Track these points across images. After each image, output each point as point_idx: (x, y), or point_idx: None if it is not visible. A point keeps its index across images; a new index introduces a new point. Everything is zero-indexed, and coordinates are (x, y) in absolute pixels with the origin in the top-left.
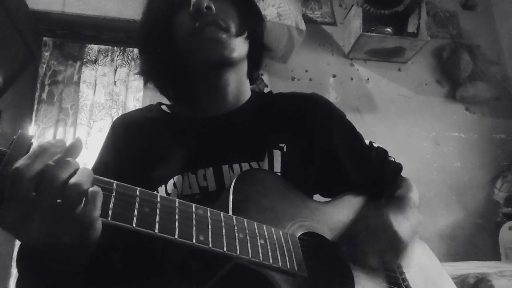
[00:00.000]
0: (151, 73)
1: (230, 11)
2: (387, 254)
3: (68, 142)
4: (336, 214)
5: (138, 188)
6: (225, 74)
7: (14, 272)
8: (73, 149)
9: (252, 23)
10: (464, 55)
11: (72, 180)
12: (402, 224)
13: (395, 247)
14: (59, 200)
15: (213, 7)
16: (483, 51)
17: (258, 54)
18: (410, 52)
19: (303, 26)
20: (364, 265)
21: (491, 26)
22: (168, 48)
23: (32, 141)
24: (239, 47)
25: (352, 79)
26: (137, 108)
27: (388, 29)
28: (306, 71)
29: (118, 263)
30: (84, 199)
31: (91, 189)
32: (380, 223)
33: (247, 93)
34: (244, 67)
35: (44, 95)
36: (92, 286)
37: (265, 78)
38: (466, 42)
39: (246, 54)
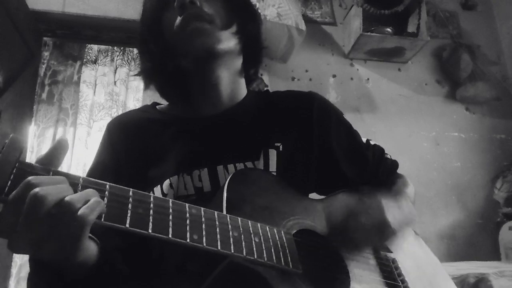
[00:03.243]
0: (148, 74)
1: (216, 5)
2: (373, 235)
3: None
4: (331, 212)
5: (131, 189)
6: (215, 69)
7: (14, 272)
8: (58, 149)
9: (242, 18)
10: (464, 55)
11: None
12: (392, 210)
13: (381, 230)
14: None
15: (197, 1)
16: (483, 51)
17: (253, 51)
18: (410, 52)
19: (303, 26)
20: (351, 248)
21: (491, 26)
22: (159, 47)
23: (24, 144)
24: (225, 39)
25: (352, 79)
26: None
27: (388, 29)
28: (306, 71)
29: (119, 264)
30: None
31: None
32: (369, 206)
33: (242, 91)
34: (236, 63)
35: (44, 95)
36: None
37: (265, 78)
38: (466, 42)
39: (238, 50)
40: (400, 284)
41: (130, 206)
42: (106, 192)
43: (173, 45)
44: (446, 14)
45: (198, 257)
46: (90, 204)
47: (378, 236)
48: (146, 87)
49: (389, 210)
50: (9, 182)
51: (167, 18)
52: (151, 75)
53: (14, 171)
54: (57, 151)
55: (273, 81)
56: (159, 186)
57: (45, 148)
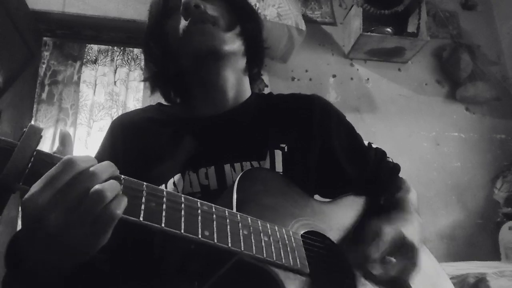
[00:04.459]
0: (153, 80)
1: (219, 8)
2: (408, 268)
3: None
4: (338, 214)
5: (144, 183)
6: (221, 70)
7: None
8: (64, 141)
9: (244, 19)
10: (464, 55)
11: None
12: (412, 233)
13: (414, 260)
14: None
15: (201, 5)
16: (483, 51)
17: (256, 51)
18: (410, 52)
19: (303, 26)
20: (387, 285)
21: (491, 26)
22: (163, 51)
23: (41, 134)
24: (230, 40)
25: (352, 79)
26: (137, 108)
27: (388, 29)
28: (306, 71)
29: (102, 264)
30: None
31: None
32: (393, 239)
33: (247, 92)
34: (241, 63)
35: (44, 95)
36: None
37: (265, 78)
38: (466, 42)
39: (242, 50)
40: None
41: (143, 199)
42: (121, 185)
43: (178, 48)
44: (446, 14)
45: (202, 255)
46: (120, 198)
47: (412, 268)
48: (152, 92)
49: (413, 237)
50: (27, 170)
51: (171, 24)
52: (157, 80)
53: (32, 159)
54: (65, 142)
55: (273, 81)
56: (163, 185)
57: (45, 148)
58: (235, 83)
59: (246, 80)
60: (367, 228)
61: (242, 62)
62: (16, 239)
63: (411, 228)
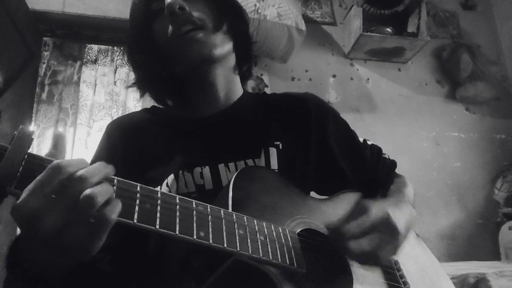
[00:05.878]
0: (143, 84)
1: (204, 8)
2: (384, 247)
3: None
4: (334, 212)
5: (138, 184)
6: (211, 70)
7: None
8: (57, 143)
9: (230, 16)
10: (464, 55)
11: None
12: (399, 218)
13: (393, 242)
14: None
15: (186, 7)
16: (483, 51)
17: (244, 47)
18: (410, 52)
19: (303, 26)
20: (361, 260)
21: (491, 26)
22: (152, 56)
23: (33, 136)
24: (220, 42)
25: (352, 79)
26: (136, 108)
27: (388, 29)
28: (306, 71)
29: (103, 264)
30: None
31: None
32: (376, 217)
33: (238, 91)
34: (230, 61)
35: (44, 95)
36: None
37: (265, 78)
38: (466, 42)
39: (231, 48)
40: (402, 286)
41: (137, 201)
42: (114, 187)
43: (168, 53)
44: (446, 14)
45: (200, 256)
46: (114, 202)
47: (390, 250)
48: (142, 96)
49: (397, 220)
50: (18, 173)
51: (158, 28)
52: (146, 84)
53: (23, 163)
54: (57, 145)
55: (273, 81)
56: (159, 186)
57: (45, 148)
58: (226, 81)
59: (236, 79)
60: (355, 206)
61: (231, 60)
62: (17, 240)
63: (398, 213)
